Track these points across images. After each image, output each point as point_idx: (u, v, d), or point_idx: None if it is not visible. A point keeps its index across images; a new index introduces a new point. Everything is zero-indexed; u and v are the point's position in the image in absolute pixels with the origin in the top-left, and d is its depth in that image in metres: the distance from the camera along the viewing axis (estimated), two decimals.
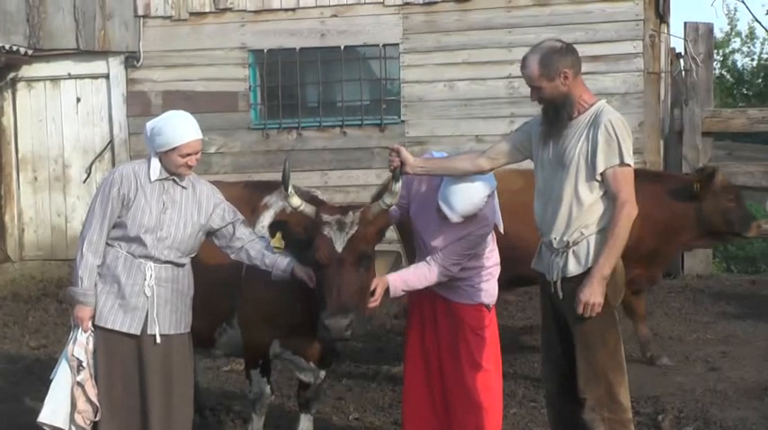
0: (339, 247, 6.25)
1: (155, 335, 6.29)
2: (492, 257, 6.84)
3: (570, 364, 6.00)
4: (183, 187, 6.39)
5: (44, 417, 6.27)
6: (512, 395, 8.95)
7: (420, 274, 6.58)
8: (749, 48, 33.77)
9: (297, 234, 6.50)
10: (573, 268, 5.88)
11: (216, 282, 6.94)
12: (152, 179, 6.28)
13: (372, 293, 6.42)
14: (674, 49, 17.62)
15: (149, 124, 6.35)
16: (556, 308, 6.08)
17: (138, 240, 6.24)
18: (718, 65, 30.69)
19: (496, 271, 6.90)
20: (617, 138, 5.74)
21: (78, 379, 6.17)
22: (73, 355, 6.18)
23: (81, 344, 6.19)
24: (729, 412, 8.32)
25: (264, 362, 7.04)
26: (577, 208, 5.83)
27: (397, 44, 15.57)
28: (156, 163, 6.29)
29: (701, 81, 15.25)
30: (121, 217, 6.22)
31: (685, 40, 15.37)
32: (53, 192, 16.62)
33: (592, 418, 5.91)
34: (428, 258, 6.58)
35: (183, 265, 6.44)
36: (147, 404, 6.29)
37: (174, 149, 6.22)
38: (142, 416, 6.30)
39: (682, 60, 16.03)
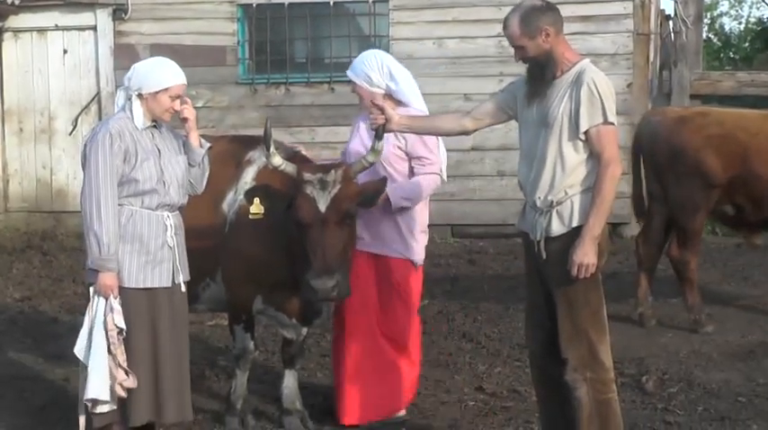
0: (322, 207, 6.26)
1: (180, 284, 6.34)
2: (424, 214, 7.30)
3: (554, 324, 5.99)
4: (160, 131, 6.37)
5: (91, 394, 6.08)
6: (496, 354, 8.99)
7: (415, 182, 7.10)
8: (737, 11, 33.72)
9: (278, 194, 6.48)
10: (556, 228, 5.86)
11: (200, 237, 6.91)
12: (140, 128, 6.23)
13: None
14: (663, 10, 17.56)
15: (137, 65, 6.28)
16: (539, 268, 6.08)
17: (151, 192, 6.17)
18: (706, 28, 30.61)
19: (425, 235, 7.33)
20: (600, 96, 5.72)
21: (113, 348, 6.06)
22: (115, 325, 6.03)
23: (119, 313, 6.07)
24: (713, 374, 8.35)
25: (248, 318, 7.03)
26: (561, 168, 5.81)
27: (387, 1, 15.50)
28: (138, 109, 6.21)
29: (690, 43, 15.24)
30: (125, 173, 6.12)
31: (675, 1, 15.35)
32: (39, 143, 16.53)
33: (574, 379, 5.91)
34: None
35: (183, 206, 6.45)
36: (180, 353, 6.35)
37: (165, 90, 6.18)
38: (170, 368, 6.29)
39: (671, 22, 15.99)
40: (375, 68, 7.24)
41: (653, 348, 9.09)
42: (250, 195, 6.55)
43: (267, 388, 7.95)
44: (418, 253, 7.27)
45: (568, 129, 5.78)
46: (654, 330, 9.70)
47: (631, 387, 8.02)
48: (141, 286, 6.19)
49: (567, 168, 5.79)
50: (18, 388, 8.19)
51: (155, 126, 6.32)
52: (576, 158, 5.79)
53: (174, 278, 6.31)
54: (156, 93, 6.19)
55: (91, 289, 6.13)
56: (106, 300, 6.06)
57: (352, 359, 7.23)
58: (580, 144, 5.78)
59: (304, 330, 7.18)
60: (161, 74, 6.23)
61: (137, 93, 6.20)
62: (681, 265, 9.78)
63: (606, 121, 5.73)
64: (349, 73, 7.33)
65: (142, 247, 6.19)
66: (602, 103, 5.72)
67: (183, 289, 6.38)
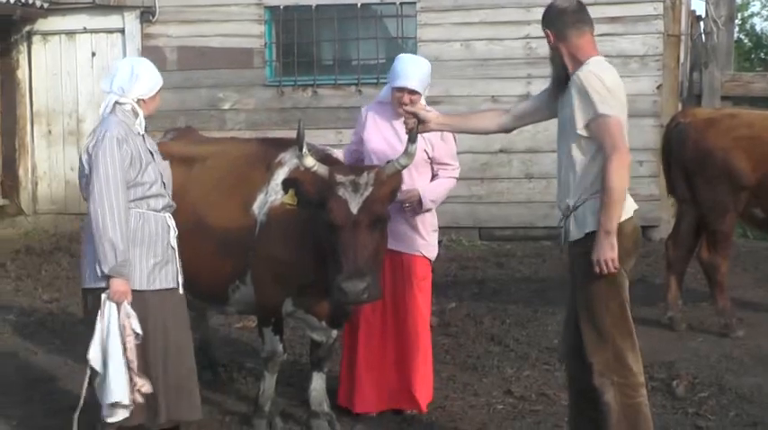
0: (354, 209, 6.24)
1: (180, 285, 6.44)
2: (435, 214, 7.49)
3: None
4: (145, 136, 6.45)
5: (114, 397, 6.07)
6: (525, 357, 8.94)
7: (440, 184, 7.34)
8: None
9: (310, 193, 6.46)
10: (574, 232, 5.87)
11: (230, 238, 6.94)
12: (142, 132, 6.34)
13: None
14: (694, 11, 17.48)
15: (121, 78, 6.31)
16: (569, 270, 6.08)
17: (154, 195, 6.27)
18: (737, 28, 30.43)
19: (436, 234, 7.55)
20: (587, 90, 5.69)
21: (130, 354, 6.09)
22: (133, 330, 6.07)
23: (135, 317, 6.11)
24: (745, 379, 8.27)
25: (277, 320, 7.02)
26: (572, 170, 5.83)
27: (414, 2, 15.48)
28: (140, 113, 6.33)
29: (722, 44, 15.18)
30: (133, 177, 6.17)
31: (706, 2, 15.28)
32: (67, 146, 16.60)
33: (601, 383, 5.87)
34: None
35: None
36: (180, 352, 6.40)
37: (159, 91, 6.38)
38: (173, 369, 6.35)
39: (702, 23, 15.91)
40: (429, 75, 7.37)
41: (683, 352, 9.02)
42: (286, 185, 6.58)
43: (295, 390, 7.94)
44: (433, 251, 7.52)
45: (572, 131, 5.80)
46: (684, 334, 9.64)
47: (662, 391, 7.97)
48: (152, 288, 6.26)
49: (577, 171, 5.80)
50: (46, 389, 8.20)
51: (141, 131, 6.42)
52: (583, 160, 5.78)
53: (177, 278, 6.40)
54: (155, 94, 6.36)
55: (103, 295, 6.11)
56: (118, 305, 6.08)
57: (367, 351, 7.41)
58: (583, 142, 5.77)
59: (334, 333, 7.17)
60: (153, 75, 6.38)
61: (136, 100, 6.28)
62: (711, 269, 9.72)
63: (598, 114, 5.68)
64: (411, 82, 7.18)
65: (150, 250, 6.26)
66: (591, 97, 5.68)
67: (182, 290, 6.45)
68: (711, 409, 7.62)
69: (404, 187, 7.08)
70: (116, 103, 6.28)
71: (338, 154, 7.46)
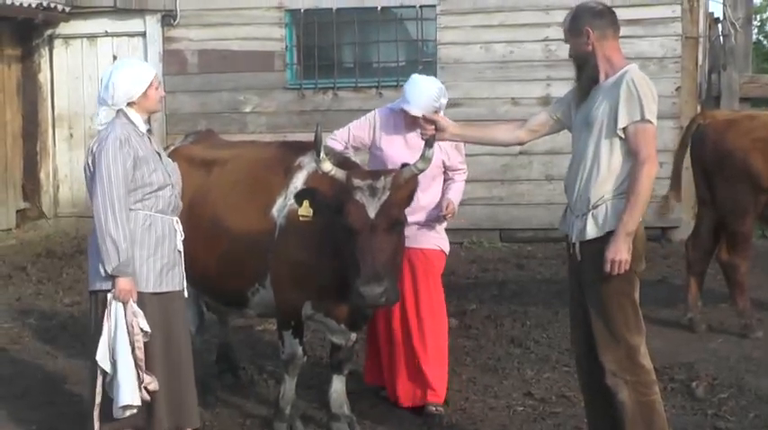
0: (372, 213, 6.25)
1: (185, 288, 6.51)
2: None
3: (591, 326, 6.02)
4: (151, 138, 6.48)
5: (125, 400, 6.08)
6: (545, 359, 8.95)
7: (459, 189, 7.66)
8: None
9: (326, 199, 6.49)
10: (591, 231, 5.87)
11: (249, 242, 6.96)
12: (142, 133, 6.34)
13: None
14: (712, 13, 17.47)
15: (115, 82, 6.28)
16: (576, 270, 6.11)
17: (162, 198, 6.30)
18: (756, 30, 30.34)
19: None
20: (638, 94, 5.75)
21: (139, 352, 6.11)
22: (141, 329, 6.10)
23: (143, 316, 6.14)
24: (764, 380, 8.26)
25: (297, 323, 7.04)
26: (597, 170, 5.84)
27: (434, 5, 15.51)
28: (135, 115, 6.32)
29: (740, 46, 15.16)
30: (140, 177, 6.19)
31: (724, 4, 15.28)
32: None
33: (614, 383, 5.90)
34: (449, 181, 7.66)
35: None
36: (181, 356, 6.45)
37: (151, 85, 6.32)
38: (177, 371, 6.41)
39: (720, 25, 15.90)
40: (440, 96, 7.44)
41: (703, 353, 9.02)
42: (300, 197, 6.58)
43: (315, 393, 7.96)
44: (447, 244, 7.76)
45: (607, 129, 5.83)
46: (704, 335, 9.63)
47: (681, 392, 7.96)
48: (160, 291, 6.30)
49: (602, 171, 5.83)
50: (68, 393, 8.24)
51: (149, 130, 6.45)
52: (612, 160, 5.82)
53: (182, 282, 6.47)
54: (146, 91, 6.30)
55: (109, 295, 6.13)
56: (125, 304, 6.11)
57: (405, 347, 7.57)
58: (617, 145, 5.81)
59: (353, 336, 7.20)
60: (138, 74, 6.33)
61: (127, 103, 6.27)
62: (730, 270, 9.72)
63: (643, 119, 5.75)
64: (413, 110, 7.26)
65: (158, 252, 6.29)
66: (641, 101, 5.75)
67: (186, 294, 6.56)
68: (731, 410, 7.61)
69: (430, 200, 7.43)
70: (118, 110, 6.31)
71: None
